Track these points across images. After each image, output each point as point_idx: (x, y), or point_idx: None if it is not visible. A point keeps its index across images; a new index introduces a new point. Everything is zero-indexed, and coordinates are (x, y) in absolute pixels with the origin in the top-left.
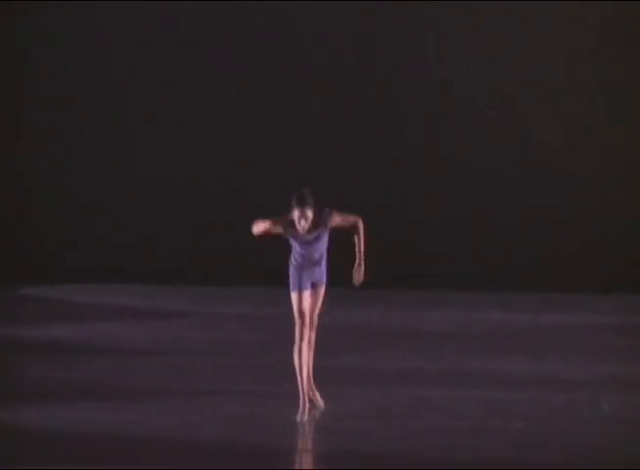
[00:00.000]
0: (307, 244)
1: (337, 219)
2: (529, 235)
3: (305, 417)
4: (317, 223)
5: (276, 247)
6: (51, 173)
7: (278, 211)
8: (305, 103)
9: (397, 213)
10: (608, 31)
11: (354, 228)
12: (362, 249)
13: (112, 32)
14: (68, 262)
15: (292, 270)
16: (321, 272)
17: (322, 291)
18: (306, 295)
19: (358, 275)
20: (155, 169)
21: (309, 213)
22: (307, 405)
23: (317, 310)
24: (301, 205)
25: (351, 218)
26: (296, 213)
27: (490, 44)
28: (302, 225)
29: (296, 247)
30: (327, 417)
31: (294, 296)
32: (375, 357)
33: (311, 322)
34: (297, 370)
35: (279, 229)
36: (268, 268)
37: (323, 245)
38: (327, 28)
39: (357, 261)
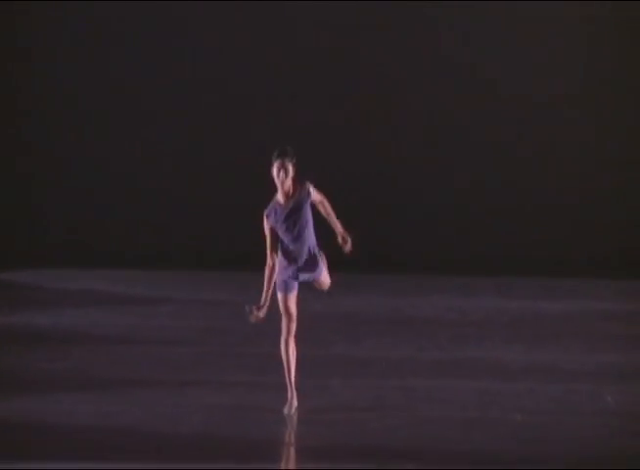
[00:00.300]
0: (289, 217)
1: (317, 195)
2: (529, 219)
3: (293, 410)
4: (298, 192)
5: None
6: (27, 154)
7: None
8: (294, 88)
9: (394, 196)
10: (607, 31)
11: (323, 205)
12: (335, 218)
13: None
14: (45, 246)
15: (278, 269)
16: (314, 266)
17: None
18: (292, 295)
19: (347, 243)
20: (138, 154)
21: (289, 166)
22: (295, 398)
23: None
24: (280, 156)
25: (322, 196)
26: (275, 166)
27: (488, 32)
28: (281, 178)
29: (279, 229)
30: (317, 409)
31: (279, 296)
32: (367, 346)
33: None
34: (285, 362)
35: (268, 229)
36: (255, 252)
37: (306, 220)
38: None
39: (339, 231)
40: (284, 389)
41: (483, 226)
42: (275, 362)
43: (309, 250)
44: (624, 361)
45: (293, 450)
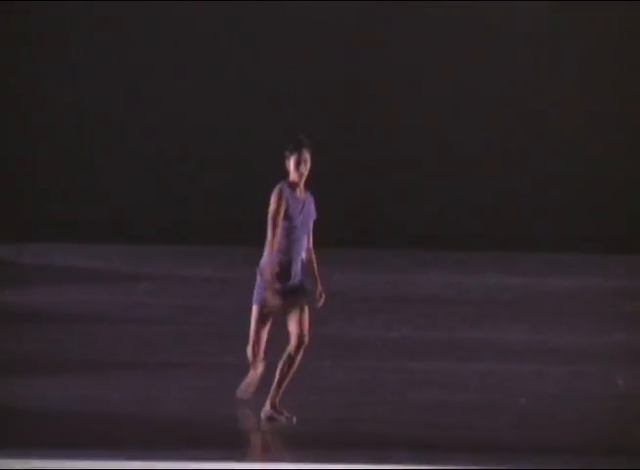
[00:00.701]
0: (300, 212)
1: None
2: (532, 189)
3: (247, 395)
4: (309, 193)
5: (247, 200)
6: (3, 129)
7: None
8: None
9: (390, 168)
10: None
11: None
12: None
13: None
14: (18, 220)
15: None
16: (302, 272)
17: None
18: (268, 316)
19: (322, 297)
20: (117, 124)
21: (308, 157)
22: (254, 382)
23: (307, 329)
24: (298, 148)
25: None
26: (293, 160)
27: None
28: (301, 171)
29: (289, 217)
30: (307, 392)
31: (254, 309)
32: (360, 325)
33: (301, 342)
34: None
35: (279, 202)
36: (238, 226)
37: (310, 227)
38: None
39: (319, 283)
40: (269, 370)
41: (484, 199)
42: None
43: (301, 266)
44: (636, 341)
45: (280, 436)
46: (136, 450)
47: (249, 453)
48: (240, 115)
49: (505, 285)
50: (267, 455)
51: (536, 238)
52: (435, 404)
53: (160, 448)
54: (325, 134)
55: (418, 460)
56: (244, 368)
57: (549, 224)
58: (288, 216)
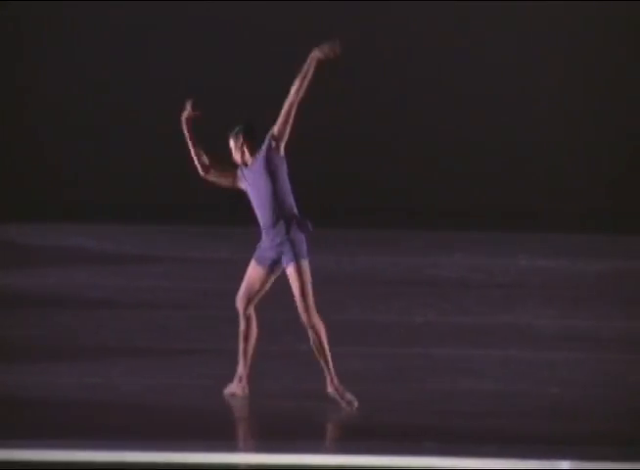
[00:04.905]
0: (254, 179)
1: (279, 126)
2: (564, 169)
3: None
4: (258, 152)
5: None
6: (10, 109)
7: None
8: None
9: (411, 141)
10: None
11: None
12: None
13: None
14: (20, 197)
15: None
16: (289, 241)
17: (297, 274)
18: (258, 271)
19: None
20: (126, 101)
21: (243, 142)
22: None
23: (302, 305)
24: (236, 132)
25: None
26: (230, 144)
27: None
28: (235, 158)
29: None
30: (323, 380)
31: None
32: (382, 310)
33: (310, 324)
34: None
35: (227, 174)
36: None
37: (275, 182)
38: None
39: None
40: (290, 357)
41: (514, 179)
42: (278, 328)
43: (285, 222)
44: None
45: (297, 426)
46: (147, 441)
47: (263, 444)
48: (240, 97)
49: (536, 268)
50: (283, 446)
51: (568, 218)
52: (461, 393)
53: (172, 439)
54: (340, 109)
55: (442, 451)
56: (260, 354)
57: (583, 203)
58: (245, 185)
